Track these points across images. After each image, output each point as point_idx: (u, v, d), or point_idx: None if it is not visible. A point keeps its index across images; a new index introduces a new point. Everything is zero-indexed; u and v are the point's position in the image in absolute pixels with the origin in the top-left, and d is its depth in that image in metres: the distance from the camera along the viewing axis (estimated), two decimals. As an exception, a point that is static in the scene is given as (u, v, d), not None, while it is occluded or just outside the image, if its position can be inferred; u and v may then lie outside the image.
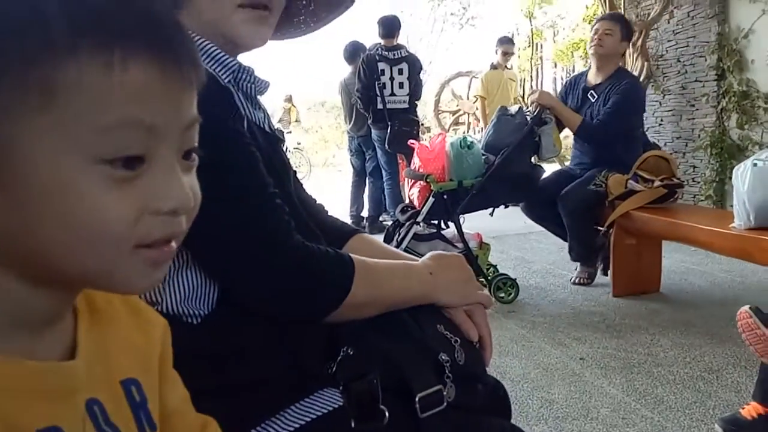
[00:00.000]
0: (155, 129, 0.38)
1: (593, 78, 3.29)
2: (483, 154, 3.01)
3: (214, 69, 0.79)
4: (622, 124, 3.14)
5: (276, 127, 0.97)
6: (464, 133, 11.26)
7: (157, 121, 0.38)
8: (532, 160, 3.13)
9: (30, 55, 0.34)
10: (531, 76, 10.70)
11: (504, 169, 2.93)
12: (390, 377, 0.75)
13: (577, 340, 2.49)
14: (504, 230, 4.49)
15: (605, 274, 3.19)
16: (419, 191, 3.00)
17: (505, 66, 6.41)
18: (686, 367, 2.19)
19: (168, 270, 0.43)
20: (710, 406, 1.90)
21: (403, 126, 4.66)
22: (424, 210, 2.91)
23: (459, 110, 11.49)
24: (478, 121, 11.13)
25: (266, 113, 0.90)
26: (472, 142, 2.99)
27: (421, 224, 2.93)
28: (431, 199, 2.91)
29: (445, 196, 2.91)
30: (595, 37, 3.22)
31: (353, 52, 5.27)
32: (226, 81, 0.80)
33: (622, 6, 5.17)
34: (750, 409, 1.68)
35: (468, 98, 11.47)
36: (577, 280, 3.24)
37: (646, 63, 4.91)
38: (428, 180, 2.90)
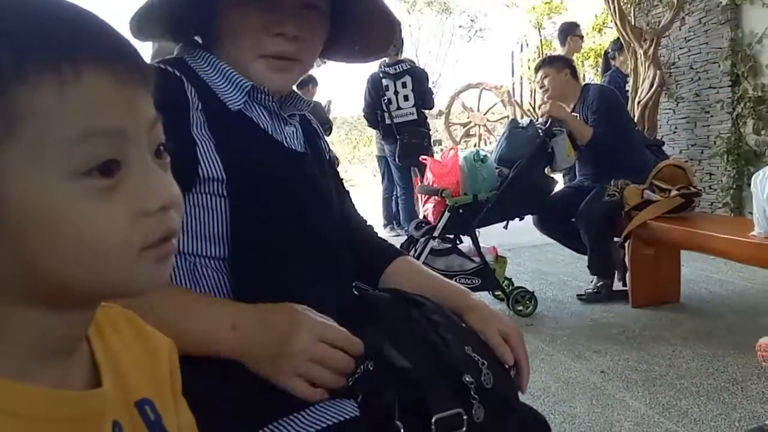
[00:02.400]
0: (121, 133, 0.38)
1: (569, 109, 3.37)
2: (496, 167, 3.01)
3: (224, 88, 0.82)
4: (616, 123, 3.20)
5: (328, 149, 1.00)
6: (475, 145, 11.27)
7: (120, 125, 0.38)
8: (545, 171, 3.14)
9: None
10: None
11: (519, 181, 2.93)
12: (409, 396, 0.73)
13: (598, 353, 2.46)
14: (519, 243, 4.46)
15: (624, 285, 3.16)
16: (434, 206, 3.00)
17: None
18: (710, 379, 2.16)
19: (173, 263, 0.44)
20: (735, 418, 1.87)
21: (412, 138, 4.68)
22: (440, 225, 2.91)
23: (470, 122, 11.50)
24: (490, 133, 11.14)
25: (296, 130, 0.91)
26: (485, 156, 2.99)
27: (437, 239, 2.92)
28: (447, 214, 2.90)
29: (460, 210, 2.90)
30: (540, 89, 3.41)
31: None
32: (241, 100, 0.83)
33: (632, 15, 5.17)
34: (777, 422, 1.65)
35: (478, 110, 11.48)
36: (595, 291, 3.20)
37: (658, 71, 4.89)
38: (443, 195, 2.90)
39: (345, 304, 0.87)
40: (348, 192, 1.02)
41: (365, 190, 8.72)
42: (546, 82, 3.36)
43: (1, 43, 0.35)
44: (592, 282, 3.25)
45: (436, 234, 2.90)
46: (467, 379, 0.76)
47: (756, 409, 1.92)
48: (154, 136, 0.41)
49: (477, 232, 2.98)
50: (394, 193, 5.60)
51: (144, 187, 0.39)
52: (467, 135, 11.47)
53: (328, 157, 0.99)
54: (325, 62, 0.99)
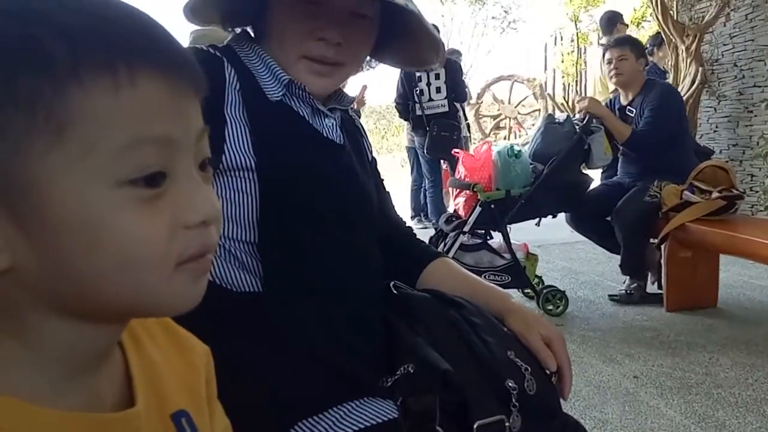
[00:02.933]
0: (170, 142, 0.37)
1: (624, 99, 3.26)
2: (530, 163, 2.95)
3: (266, 78, 0.84)
4: (668, 128, 3.07)
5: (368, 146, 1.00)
6: (505, 138, 11.14)
7: (170, 134, 0.37)
8: (581, 168, 3.06)
9: (35, 89, 0.33)
10: (576, 81, 10.50)
11: (554, 177, 2.86)
12: (450, 400, 0.72)
13: (630, 357, 2.40)
14: (549, 240, 4.39)
15: (659, 288, 3.07)
16: (465, 201, 2.95)
17: None
18: (749, 389, 2.08)
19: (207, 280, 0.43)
20: (777, 433, 1.80)
21: (441, 131, 4.64)
22: (471, 220, 2.85)
23: (500, 114, 11.38)
24: (520, 126, 11.01)
25: (337, 123, 0.90)
26: (519, 151, 2.92)
27: (467, 234, 2.88)
28: (478, 209, 2.85)
29: (492, 206, 2.85)
30: (612, 66, 3.19)
31: None
32: (279, 92, 0.83)
33: (674, 9, 5.01)
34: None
35: (509, 102, 11.35)
36: (628, 292, 3.13)
37: (700, 68, 4.74)
38: (475, 189, 2.84)
39: (373, 297, 0.86)
40: (388, 193, 1.01)
41: (393, 180, 8.70)
42: (620, 64, 3.16)
43: (59, 39, 0.33)
44: (624, 283, 3.18)
45: (466, 229, 2.85)
46: (510, 384, 0.75)
47: (798, 423, 1.84)
48: (200, 147, 0.40)
49: (508, 228, 2.93)
50: (423, 185, 5.56)
51: (187, 200, 0.38)
52: (497, 127, 11.36)
53: (369, 157, 0.99)
54: (374, 67, 0.99)
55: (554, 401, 0.81)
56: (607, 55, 3.26)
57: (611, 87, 4.33)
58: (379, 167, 1.04)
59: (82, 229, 0.35)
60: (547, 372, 0.83)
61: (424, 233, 5.24)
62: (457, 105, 4.91)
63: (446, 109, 4.74)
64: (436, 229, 4.78)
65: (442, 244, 2.90)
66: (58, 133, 0.34)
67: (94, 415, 0.39)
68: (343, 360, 0.78)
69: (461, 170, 3.03)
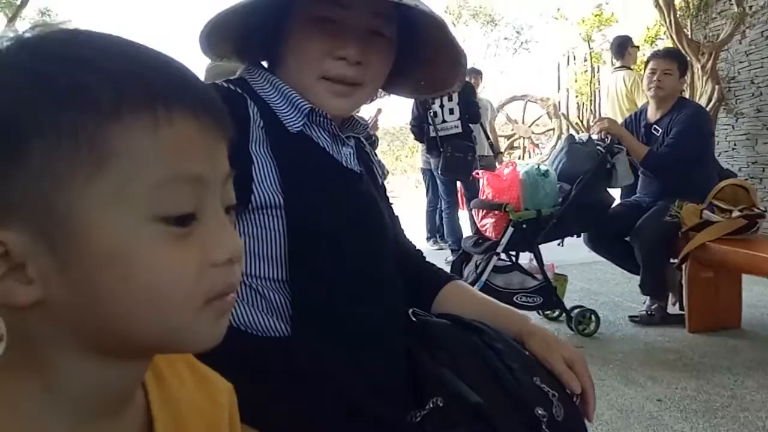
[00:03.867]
0: (202, 181, 0.39)
1: (653, 115, 3.19)
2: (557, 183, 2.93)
3: (283, 109, 0.83)
4: (691, 151, 3.02)
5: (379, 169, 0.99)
6: (519, 157, 11.12)
7: (202, 173, 0.39)
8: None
9: (79, 124, 0.35)
10: (590, 100, 10.48)
11: (582, 197, 2.84)
12: (481, 431, 0.71)
13: (653, 380, 2.35)
14: (567, 260, 4.33)
15: (681, 308, 3.02)
16: (495, 221, 2.89)
17: None
18: (777, 414, 2.03)
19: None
20: (808, 459, 1.75)
21: (455, 152, 4.64)
22: (504, 240, 2.81)
23: (514, 134, 11.39)
24: (534, 145, 11.00)
25: (354, 151, 0.90)
26: (547, 170, 2.89)
27: (501, 256, 2.85)
28: (510, 229, 2.81)
29: (524, 226, 2.81)
30: (655, 78, 3.11)
31: None
32: (300, 122, 0.82)
33: (689, 27, 5.01)
34: None
35: (523, 122, 11.36)
36: (649, 313, 3.08)
37: (716, 86, 4.72)
38: (507, 209, 2.80)
39: (398, 330, 0.85)
40: (397, 217, 1.00)
41: (407, 201, 8.70)
42: (664, 77, 3.08)
43: (103, 81, 0.36)
44: (644, 304, 3.13)
45: (499, 250, 2.82)
46: (539, 412, 0.75)
47: (830, 449, 1.79)
48: (227, 191, 0.42)
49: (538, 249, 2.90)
50: (438, 206, 5.55)
51: (215, 238, 0.39)
52: (511, 147, 11.35)
53: (381, 182, 0.99)
54: (388, 95, 0.98)
55: (580, 424, 0.81)
56: (652, 65, 3.16)
57: (620, 110, 4.33)
58: (394, 188, 1.05)
59: (115, 261, 0.36)
60: (571, 394, 0.82)
61: (439, 255, 5.22)
62: (472, 126, 4.93)
63: (459, 130, 4.75)
64: (453, 250, 4.77)
65: (473, 266, 2.87)
66: (98, 164, 0.35)
67: None
68: (371, 399, 0.76)
69: (487, 191, 2.98)
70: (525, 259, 3.00)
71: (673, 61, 3.14)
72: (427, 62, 0.91)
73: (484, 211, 2.97)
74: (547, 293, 2.83)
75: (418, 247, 1.03)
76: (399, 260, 0.92)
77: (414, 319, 0.88)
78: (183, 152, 0.38)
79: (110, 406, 0.41)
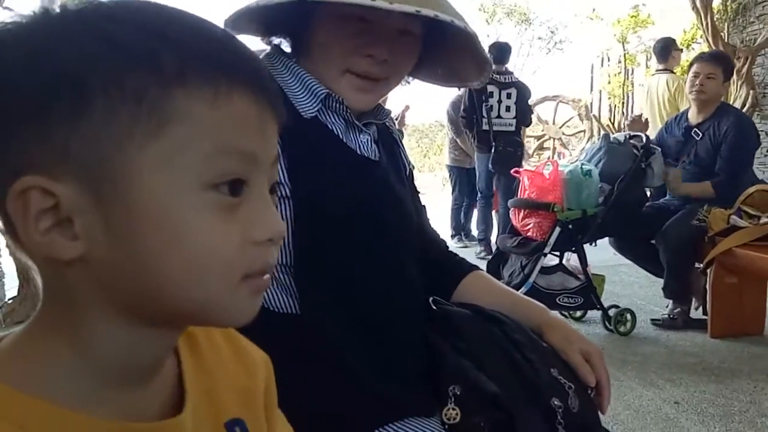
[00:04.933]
0: (253, 158, 0.39)
1: (694, 118, 3.13)
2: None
3: (299, 94, 0.82)
4: (745, 165, 3.04)
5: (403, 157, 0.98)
6: (548, 159, 10.97)
7: (254, 150, 0.39)
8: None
9: (143, 86, 0.36)
10: (622, 103, 10.33)
11: (624, 196, 2.86)
12: (498, 422, 0.74)
13: (671, 382, 2.36)
14: (591, 262, 4.31)
15: (704, 313, 3.01)
16: (539, 221, 2.88)
17: None
18: (795, 420, 2.03)
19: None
20: (824, 466, 1.75)
21: (507, 146, 4.63)
22: (551, 240, 2.82)
23: (544, 135, 11.27)
24: (564, 146, 10.87)
25: (372, 138, 0.89)
26: (590, 170, 2.88)
27: (548, 255, 2.87)
28: (557, 230, 2.81)
29: (570, 226, 2.82)
30: (697, 82, 3.04)
31: None
32: (315, 107, 0.82)
33: (725, 31, 4.94)
34: None
35: (554, 123, 11.24)
36: (671, 317, 3.07)
37: (751, 91, 4.64)
38: (554, 209, 2.80)
39: (414, 314, 0.86)
40: (424, 206, 1.01)
41: (434, 198, 8.72)
42: (707, 81, 3.02)
43: (168, 47, 0.37)
44: (667, 307, 3.12)
45: (546, 250, 2.83)
46: (556, 403, 0.76)
47: None
48: (274, 171, 0.43)
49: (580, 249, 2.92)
50: (463, 203, 5.56)
51: (259, 216, 0.40)
52: (540, 148, 11.25)
53: (406, 170, 0.97)
54: (409, 82, 0.97)
55: (594, 417, 0.83)
56: (695, 68, 3.10)
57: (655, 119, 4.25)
58: (421, 186, 1.03)
59: (163, 224, 0.37)
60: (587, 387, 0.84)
61: (464, 252, 5.17)
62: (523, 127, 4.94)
63: (513, 128, 4.74)
64: (480, 240, 4.74)
65: (517, 267, 2.88)
66: (156, 128, 0.36)
67: (129, 425, 0.39)
68: (385, 381, 0.78)
69: (530, 190, 2.94)
70: (554, 261, 3.01)
71: (718, 65, 3.09)
72: (453, 53, 0.91)
73: (526, 211, 2.94)
74: (587, 293, 2.86)
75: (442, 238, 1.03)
76: (422, 248, 0.93)
77: (435, 307, 0.89)
78: (238, 128, 0.38)
79: (137, 374, 0.41)
